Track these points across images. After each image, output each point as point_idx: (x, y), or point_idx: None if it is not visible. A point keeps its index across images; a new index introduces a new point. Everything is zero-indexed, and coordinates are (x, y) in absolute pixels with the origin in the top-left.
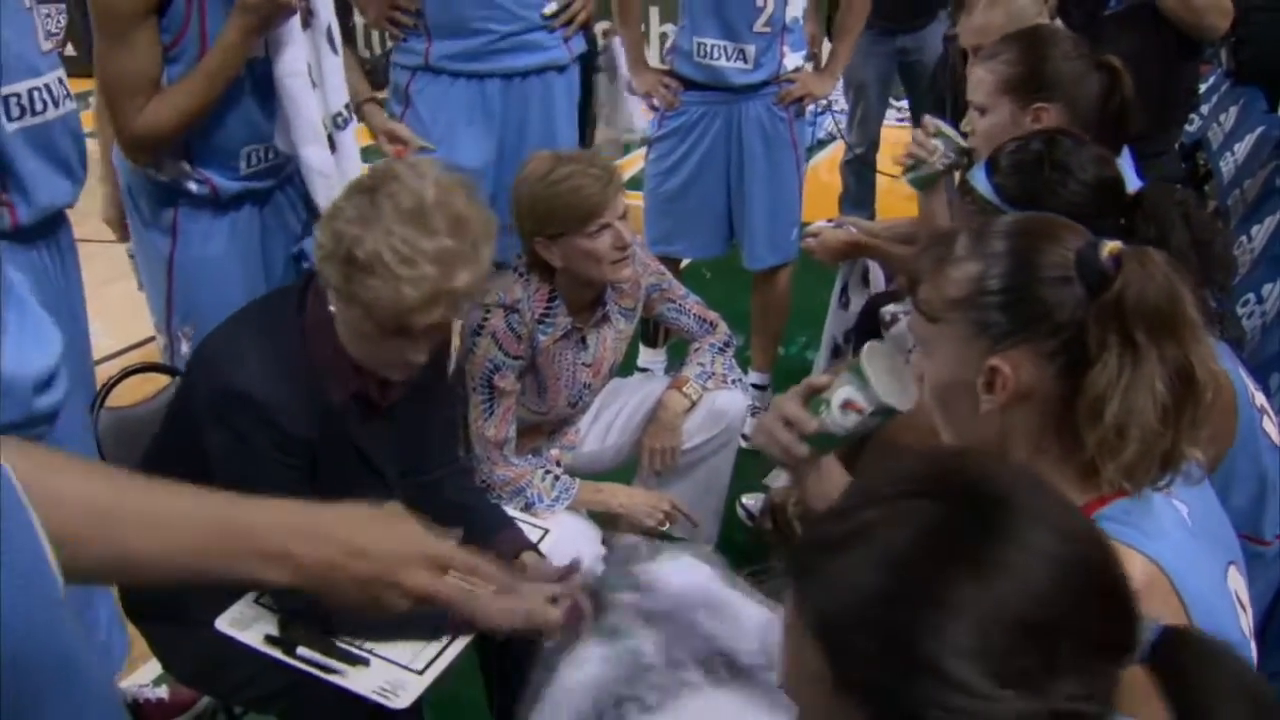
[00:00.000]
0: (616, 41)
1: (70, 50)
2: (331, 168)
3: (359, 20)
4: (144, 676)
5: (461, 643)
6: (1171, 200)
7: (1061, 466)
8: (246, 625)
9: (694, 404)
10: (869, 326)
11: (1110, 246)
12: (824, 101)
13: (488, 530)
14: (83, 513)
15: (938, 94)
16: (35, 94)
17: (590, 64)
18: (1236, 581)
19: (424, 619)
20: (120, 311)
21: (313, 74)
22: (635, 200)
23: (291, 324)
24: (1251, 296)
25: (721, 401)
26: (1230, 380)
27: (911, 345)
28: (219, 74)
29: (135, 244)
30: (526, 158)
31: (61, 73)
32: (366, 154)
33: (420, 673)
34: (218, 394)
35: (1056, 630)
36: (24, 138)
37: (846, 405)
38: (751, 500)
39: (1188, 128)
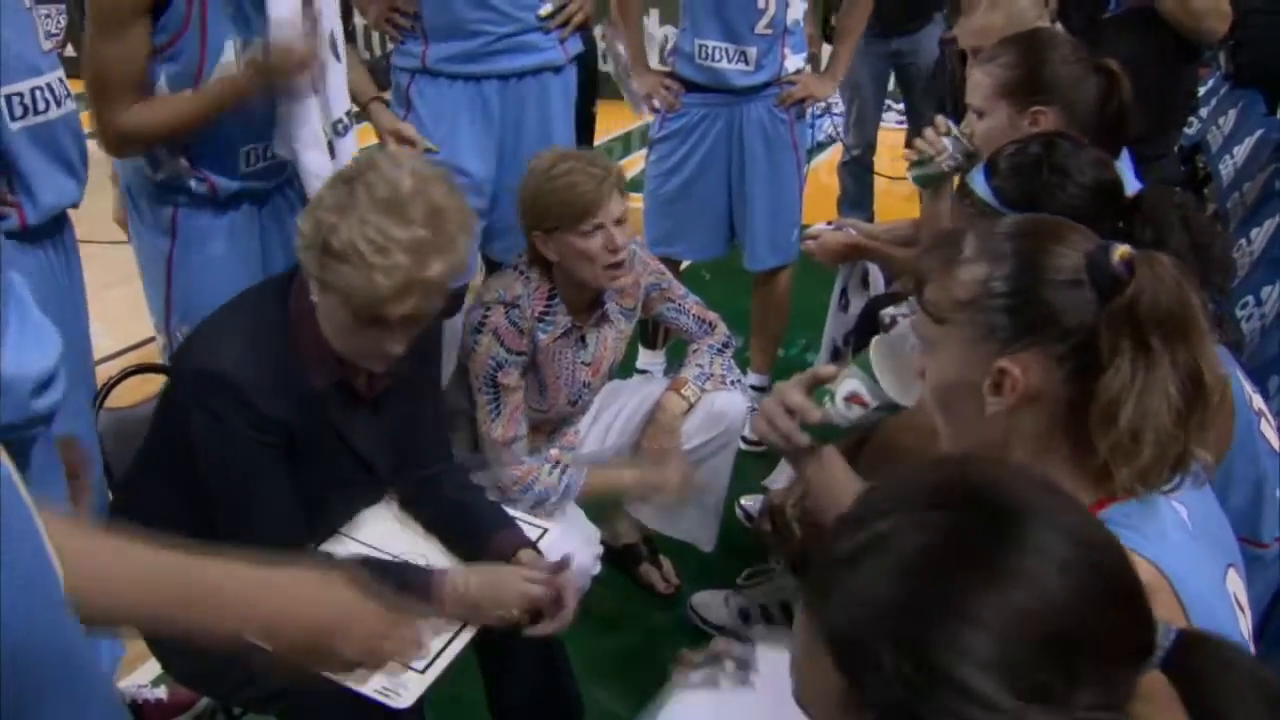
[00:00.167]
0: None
1: (70, 51)
2: (330, 173)
3: (359, 21)
4: (143, 677)
5: (463, 642)
6: (1170, 203)
7: (1063, 469)
8: None
9: (692, 405)
10: (868, 329)
11: (1120, 250)
12: (823, 104)
13: (486, 528)
14: None
15: (936, 97)
16: (37, 93)
17: (591, 65)
18: (1235, 584)
19: None
20: (120, 312)
21: (314, 80)
22: (636, 202)
23: (275, 311)
24: (1250, 299)
25: (721, 403)
26: (1229, 384)
27: (911, 347)
28: (216, 107)
29: (135, 243)
30: (527, 156)
31: (61, 73)
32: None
33: (422, 672)
34: (196, 375)
35: (1076, 639)
36: (28, 137)
37: (851, 398)
38: (750, 502)
39: (1187, 130)
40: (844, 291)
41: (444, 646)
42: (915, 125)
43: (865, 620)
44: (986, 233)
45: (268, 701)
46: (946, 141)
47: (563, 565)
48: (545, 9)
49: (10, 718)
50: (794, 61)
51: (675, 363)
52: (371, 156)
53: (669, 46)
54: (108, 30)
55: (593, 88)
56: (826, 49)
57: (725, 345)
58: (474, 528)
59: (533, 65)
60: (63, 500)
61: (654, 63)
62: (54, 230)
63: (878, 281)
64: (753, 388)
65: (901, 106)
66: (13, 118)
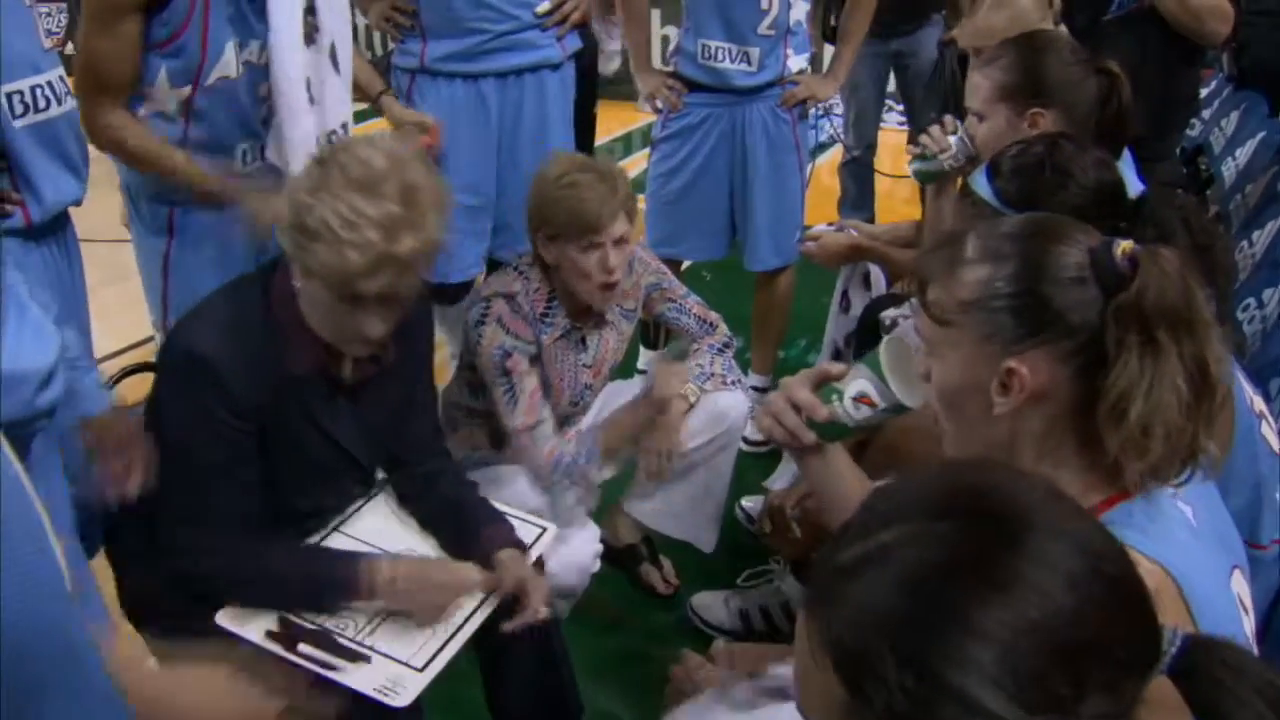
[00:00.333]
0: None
1: (70, 49)
2: None
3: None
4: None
5: (462, 640)
6: (1172, 205)
7: (1071, 468)
8: (246, 620)
9: (692, 405)
10: (869, 330)
11: (1124, 246)
12: (824, 105)
13: (474, 525)
14: None
15: (938, 98)
16: (38, 91)
17: (591, 64)
18: (1240, 585)
19: None
20: (118, 312)
21: (311, 89)
22: (642, 204)
23: (257, 297)
24: (1252, 301)
25: (722, 403)
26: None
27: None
28: (186, 178)
29: (134, 242)
30: (525, 153)
31: (62, 71)
32: None
33: (420, 670)
34: (172, 356)
35: (1082, 649)
36: (31, 135)
37: (860, 399)
38: (751, 503)
39: (1189, 132)
40: (845, 293)
41: (443, 645)
42: (916, 126)
43: (867, 632)
44: (989, 233)
45: None
46: (952, 140)
47: (538, 565)
48: (543, 6)
49: (10, 712)
50: (797, 62)
51: (666, 354)
52: (349, 138)
53: (671, 46)
54: (100, 24)
55: (593, 89)
56: (828, 49)
57: (726, 345)
58: (464, 524)
59: (530, 63)
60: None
61: (656, 63)
62: (56, 228)
63: (879, 282)
64: (753, 388)
65: (904, 107)
66: (14, 116)
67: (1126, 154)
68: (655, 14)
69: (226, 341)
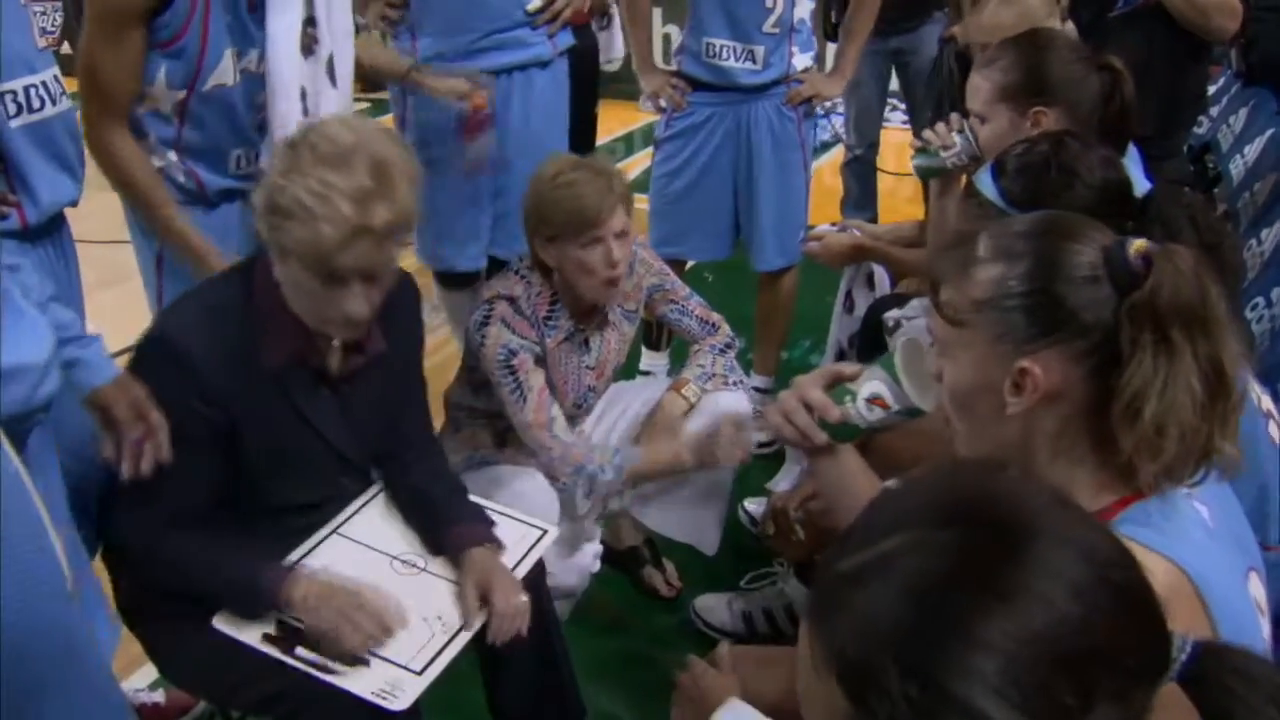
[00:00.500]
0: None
1: (66, 49)
2: None
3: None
4: (141, 680)
5: (461, 643)
6: (1180, 203)
7: (1084, 468)
8: (243, 624)
9: (693, 406)
10: (872, 331)
11: (1137, 244)
12: (827, 104)
13: (443, 520)
14: None
15: (933, 95)
16: (32, 91)
17: (593, 65)
18: (1257, 588)
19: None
20: (115, 314)
21: (306, 100)
22: (640, 204)
23: (237, 288)
24: (1260, 300)
25: (724, 404)
26: None
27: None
28: (167, 232)
29: (132, 242)
30: (515, 150)
31: (56, 70)
32: None
33: (419, 673)
34: (144, 339)
35: (1090, 659)
36: (26, 135)
37: (873, 400)
38: (754, 505)
39: (1196, 130)
40: (849, 293)
41: (442, 648)
42: (916, 124)
43: (870, 643)
44: (1001, 232)
45: (265, 705)
46: (957, 138)
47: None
48: (533, 4)
49: (10, 711)
50: (802, 60)
51: (678, 364)
52: (319, 118)
53: (676, 45)
54: (104, 35)
55: (593, 89)
56: (830, 47)
57: (728, 346)
58: (434, 518)
59: (520, 61)
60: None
61: (658, 61)
62: (52, 230)
63: (883, 282)
64: (756, 389)
65: (905, 106)
66: (9, 116)
67: (1134, 152)
68: (656, 12)
69: (201, 329)
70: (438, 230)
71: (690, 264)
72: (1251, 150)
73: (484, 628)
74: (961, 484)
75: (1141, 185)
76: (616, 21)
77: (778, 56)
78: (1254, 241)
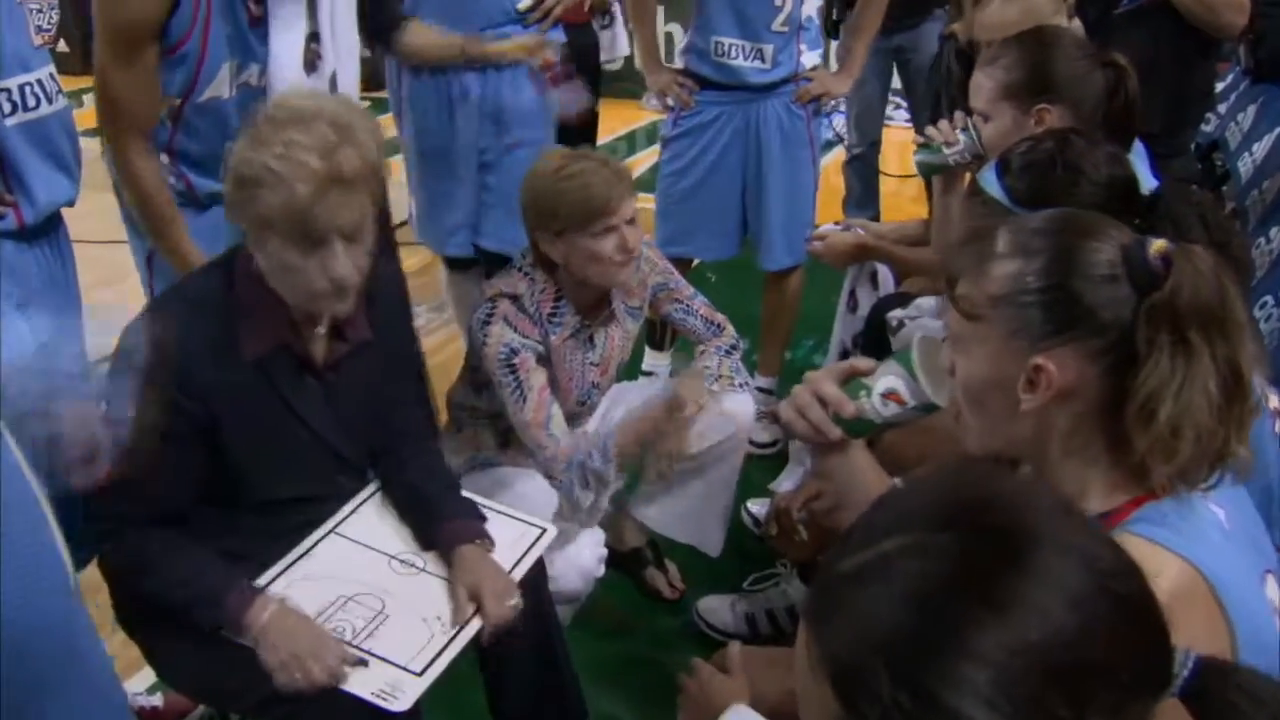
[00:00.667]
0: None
1: (63, 46)
2: None
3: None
4: (139, 684)
5: (461, 643)
6: (1188, 201)
7: (1097, 466)
8: None
9: (700, 407)
10: (875, 330)
11: (1157, 245)
12: (830, 103)
13: (436, 518)
14: None
15: (934, 93)
16: (27, 89)
17: (594, 64)
18: (1273, 590)
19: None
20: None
21: None
22: (643, 203)
23: (219, 279)
24: (1269, 299)
25: (729, 405)
26: None
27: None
28: (169, 243)
29: (129, 241)
30: (508, 145)
31: (52, 69)
32: None
33: (419, 674)
34: (123, 334)
35: (1086, 672)
36: (21, 134)
37: (889, 395)
38: (757, 506)
39: (1204, 127)
40: (853, 292)
41: (442, 648)
42: (918, 122)
43: (863, 645)
44: (1019, 228)
45: (264, 708)
46: (960, 135)
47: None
48: (524, 3)
49: (9, 710)
50: (810, 58)
51: (681, 363)
52: (277, 96)
53: (682, 44)
54: (117, 54)
55: (595, 86)
56: (833, 44)
57: (733, 347)
58: (426, 515)
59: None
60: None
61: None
62: (49, 230)
63: (887, 282)
64: (760, 390)
65: (908, 104)
66: (4, 114)
67: (1141, 149)
68: (659, 11)
69: (179, 320)
70: (427, 215)
71: (695, 263)
72: (1260, 148)
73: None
74: (965, 486)
75: (1149, 183)
76: (619, 20)
77: (786, 55)
78: (1262, 240)
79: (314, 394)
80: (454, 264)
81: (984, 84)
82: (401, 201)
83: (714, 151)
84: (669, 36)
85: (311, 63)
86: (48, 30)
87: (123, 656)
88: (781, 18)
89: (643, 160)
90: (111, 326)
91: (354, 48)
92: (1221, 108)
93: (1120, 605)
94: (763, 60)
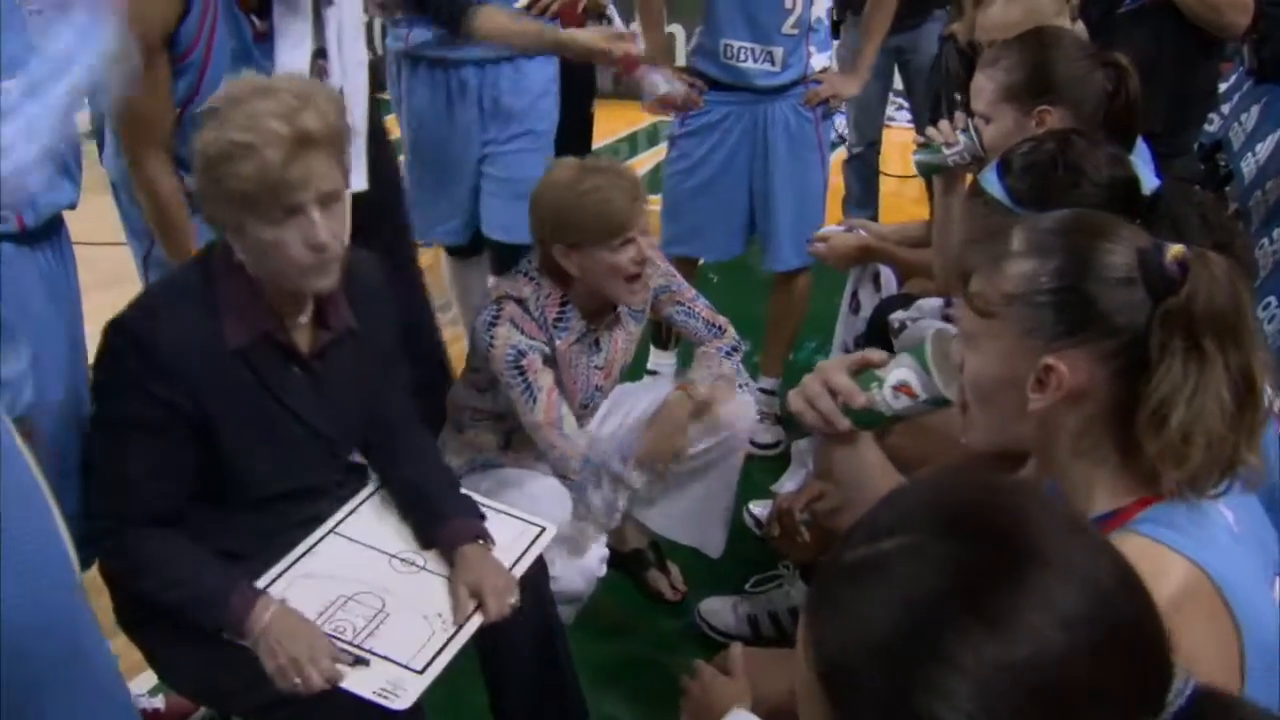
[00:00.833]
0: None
1: None
2: None
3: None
4: (141, 686)
5: (461, 641)
6: (1188, 201)
7: (1105, 467)
8: None
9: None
10: (878, 333)
11: (1175, 250)
12: (839, 105)
13: (437, 517)
14: None
15: (933, 93)
16: None
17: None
18: None
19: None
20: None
21: None
22: (650, 205)
23: (197, 274)
24: (1272, 300)
25: (730, 406)
26: None
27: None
28: (179, 254)
29: (128, 242)
30: (511, 135)
31: None
32: None
33: (420, 672)
34: (105, 333)
35: (1073, 694)
36: None
37: (900, 388)
38: (759, 507)
39: (1208, 128)
40: (855, 294)
41: (443, 646)
42: (920, 123)
43: (854, 644)
44: (1035, 226)
45: (266, 710)
46: (961, 136)
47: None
48: (521, 1)
49: (9, 710)
50: (819, 60)
51: (687, 363)
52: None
53: (691, 45)
54: None
55: (589, 88)
56: (834, 43)
57: (734, 348)
58: (428, 514)
59: (508, 51)
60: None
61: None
62: (50, 233)
63: (889, 283)
64: (762, 391)
65: (909, 105)
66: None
67: (1143, 149)
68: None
69: (157, 314)
70: (418, 204)
71: (702, 262)
72: (1263, 148)
73: (488, 630)
74: (973, 492)
75: (1151, 183)
76: (617, 22)
77: (796, 57)
78: (1265, 241)
79: (301, 384)
80: (455, 251)
81: (985, 86)
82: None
83: (722, 151)
84: (670, 38)
85: (318, 78)
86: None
87: (124, 658)
88: (791, 20)
89: (644, 161)
90: None
91: (361, 63)
92: (1225, 108)
93: (1114, 629)
94: (772, 63)
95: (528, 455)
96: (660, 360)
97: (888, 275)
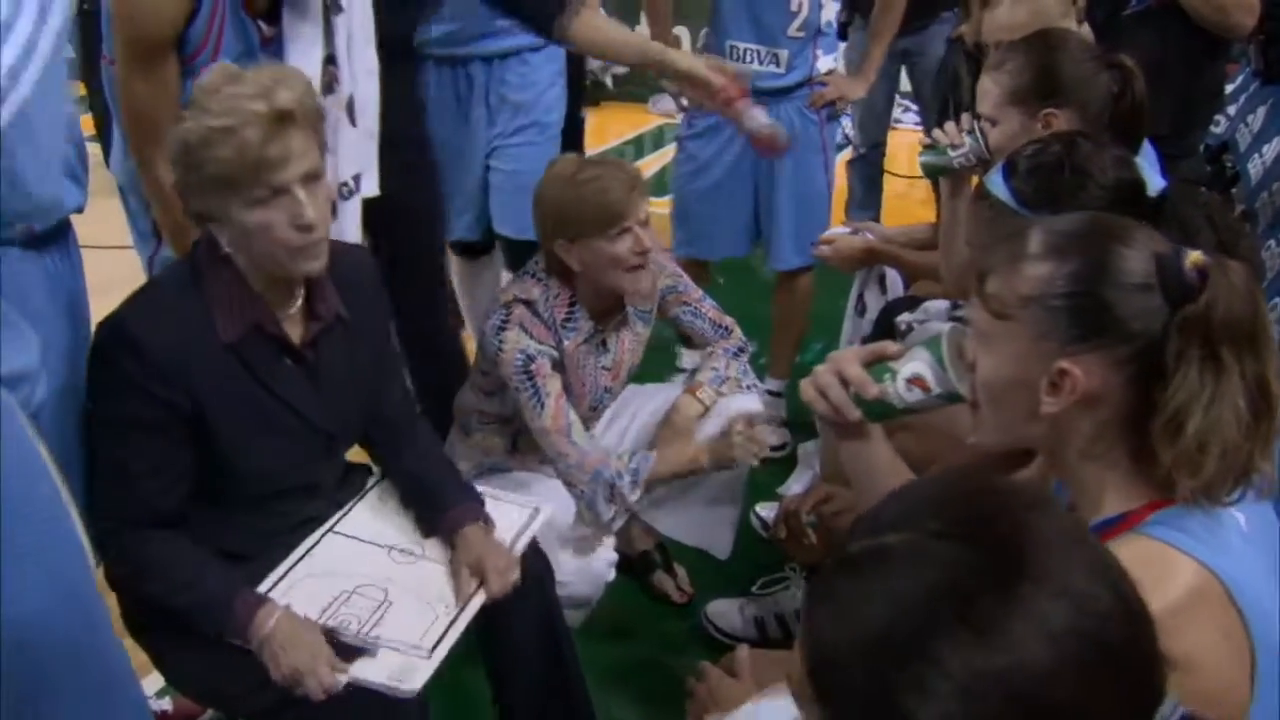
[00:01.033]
0: None
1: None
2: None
3: None
4: (147, 688)
5: (466, 619)
6: (1194, 202)
7: (1116, 471)
8: None
9: (707, 409)
10: (884, 335)
11: (1194, 257)
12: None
13: (439, 504)
14: None
15: (940, 96)
16: None
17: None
18: None
19: None
20: None
21: (326, 139)
22: (653, 207)
23: (185, 272)
24: (1279, 301)
25: (736, 407)
26: None
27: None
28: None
29: (135, 246)
30: (517, 129)
31: None
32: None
33: (428, 656)
34: (96, 335)
35: (1056, 709)
36: None
37: (914, 381)
38: (766, 510)
39: (1214, 129)
40: (861, 296)
41: (448, 627)
42: (927, 125)
43: (846, 640)
44: (1052, 229)
45: (273, 713)
46: (966, 138)
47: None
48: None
49: (24, 702)
50: (825, 62)
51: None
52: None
53: (699, 45)
54: (135, 65)
55: (578, 89)
56: (841, 45)
57: (741, 350)
58: (429, 503)
59: (513, 47)
60: None
61: None
62: (58, 236)
63: (895, 285)
64: (769, 393)
65: (917, 107)
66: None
67: (1150, 151)
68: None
69: (151, 313)
70: None
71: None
72: (1270, 150)
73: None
74: (981, 497)
75: (1157, 185)
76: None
77: (801, 60)
78: (1272, 242)
79: (295, 377)
80: (466, 251)
81: (990, 89)
82: None
83: (729, 152)
84: (675, 39)
85: (329, 85)
86: None
87: (131, 661)
88: (798, 23)
89: (651, 163)
90: None
91: (372, 71)
92: (1231, 109)
93: (1103, 650)
94: (778, 64)
95: (534, 458)
96: (693, 358)
97: (894, 277)
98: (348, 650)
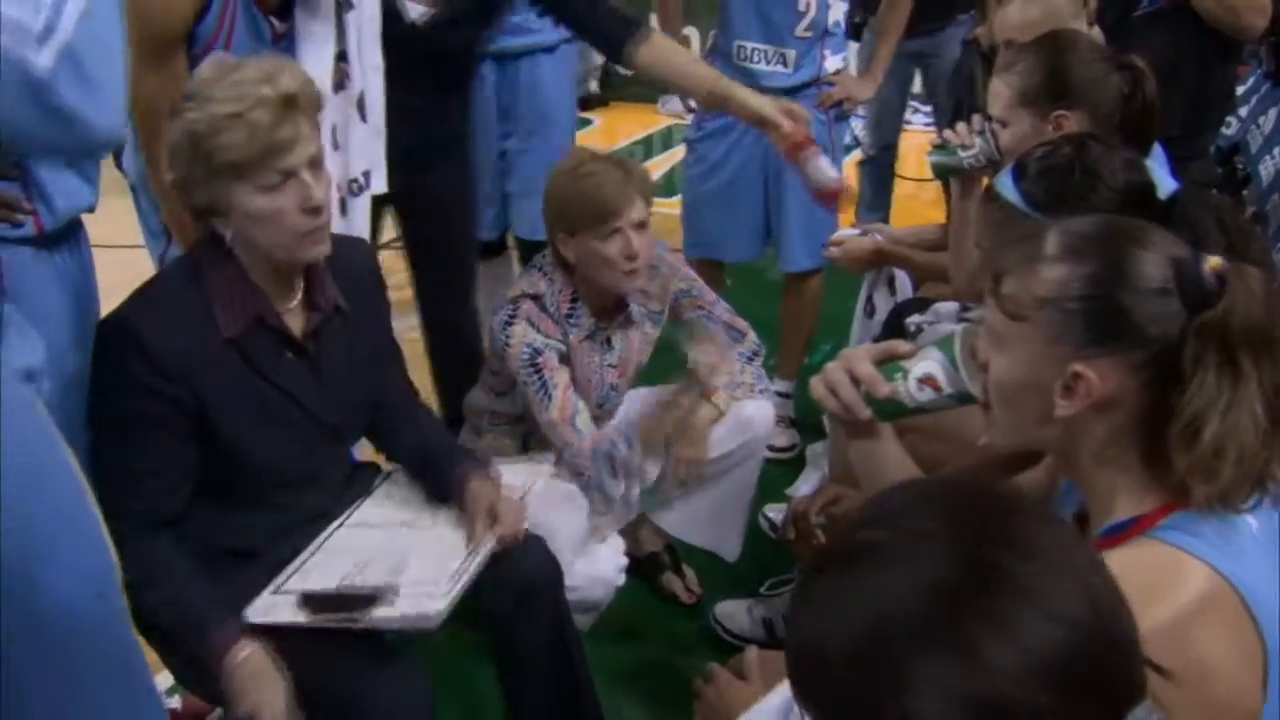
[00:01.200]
0: None
1: None
2: (340, 230)
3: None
4: (157, 686)
5: (481, 559)
6: (1205, 205)
7: (1129, 475)
8: (274, 609)
9: (722, 414)
10: (893, 336)
11: (1212, 262)
12: (854, 107)
13: (445, 467)
14: None
15: (955, 98)
16: None
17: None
18: None
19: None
20: None
21: (336, 135)
22: (661, 208)
23: (187, 268)
24: None
25: (749, 411)
26: None
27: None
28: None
29: (145, 244)
30: (525, 128)
31: None
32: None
33: (446, 593)
34: (98, 331)
35: (1015, 715)
36: None
37: (925, 380)
38: (775, 511)
39: (1225, 130)
40: (870, 297)
41: (461, 565)
42: (941, 128)
43: (825, 635)
44: (1069, 230)
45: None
46: (977, 139)
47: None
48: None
49: (9, 693)
50: (833, 62)
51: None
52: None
53: (707, 46)
54: (146, 62)
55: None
56: (853, 46)
57: (755, 354)
58: (435, 469)
59: (525, 46)
60: None
61: None
62: (69, 236)
63: (904, 287)
64: (778, 394)
65: (930, 109)
66: None
67: (1160, 152)
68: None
69: (153, 309)
70: None
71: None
72: None
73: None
74: (980, 505)
75: (1167, 186)
76: None
77: (809, 60)
78: None
79: (297, 369)
80: (481, 251)
81: (1001, 91)
82: None
83: (738, 153)
84: (685, 40)
85: (340, 82)
86: None
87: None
88: (806, 23)
89: (659, 164)
90: None
91: (378, 68)
92: (1242, 111)
93: (1075, 667)
94: (785, 65)
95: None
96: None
97: (903, 279)
98: (362, 600)
